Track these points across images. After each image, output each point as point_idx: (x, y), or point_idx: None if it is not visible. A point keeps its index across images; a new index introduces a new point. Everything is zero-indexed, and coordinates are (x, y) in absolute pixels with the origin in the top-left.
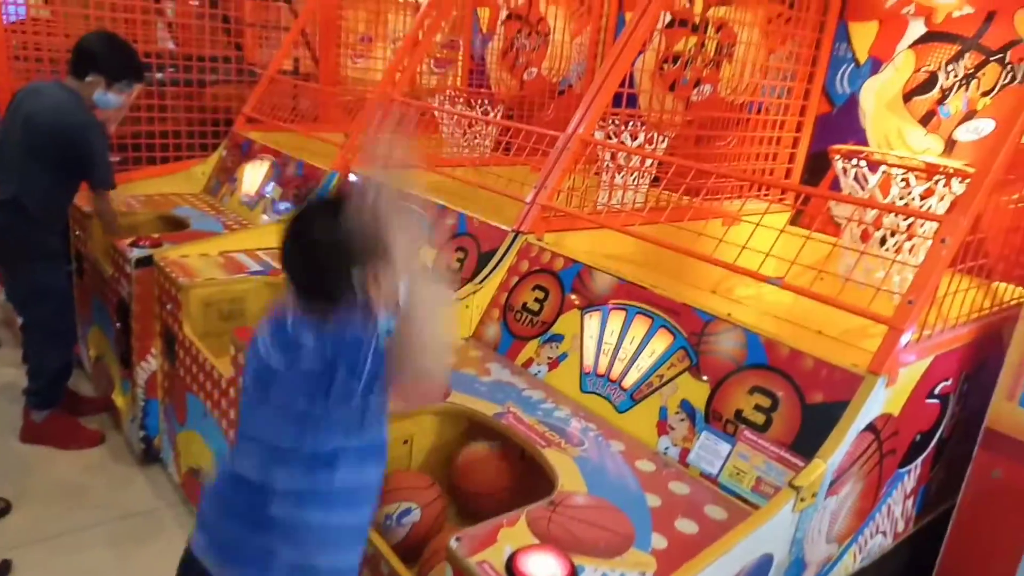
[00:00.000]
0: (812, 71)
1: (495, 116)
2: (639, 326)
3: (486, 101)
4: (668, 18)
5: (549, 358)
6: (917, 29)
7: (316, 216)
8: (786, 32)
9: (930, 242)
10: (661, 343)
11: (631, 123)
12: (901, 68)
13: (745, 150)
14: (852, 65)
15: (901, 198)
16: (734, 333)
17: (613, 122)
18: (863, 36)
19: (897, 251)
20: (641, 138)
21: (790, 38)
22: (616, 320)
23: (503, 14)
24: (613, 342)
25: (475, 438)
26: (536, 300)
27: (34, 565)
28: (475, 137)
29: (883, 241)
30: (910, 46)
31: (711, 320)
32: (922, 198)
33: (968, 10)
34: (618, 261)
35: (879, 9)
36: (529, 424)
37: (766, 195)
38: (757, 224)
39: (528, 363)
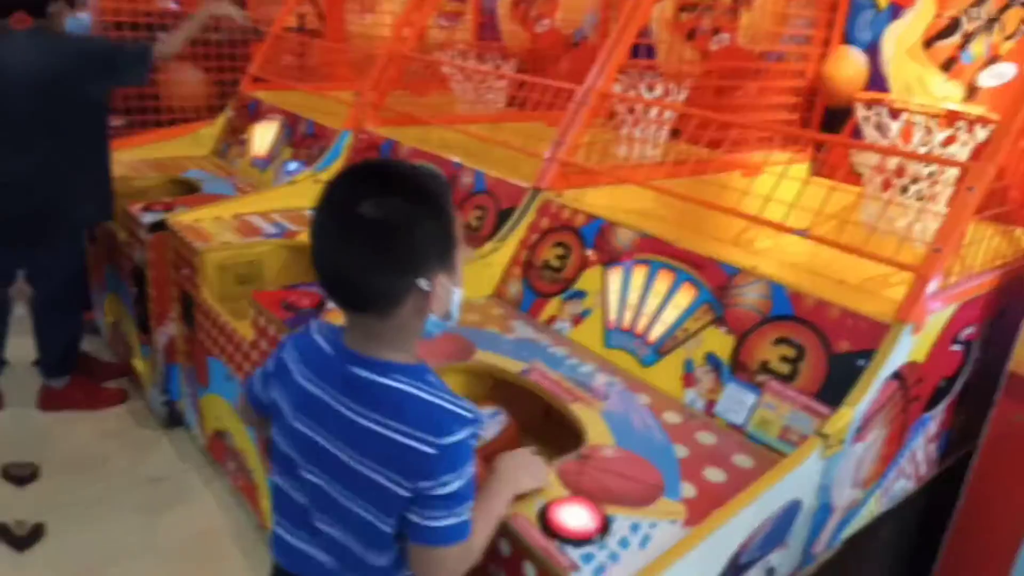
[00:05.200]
0: (832, 17)
1: (508, 71)
2: (663, 280)
3: (498, 55)
4: None
5: (572, 315)
6: None
7: (380, 190)
8: None
9: (950, 189)
10: (685, 297)
11: (647, 75)
12: (922, 13)
13: (764, 100)
14: (873, 11)
15: (923, 145)
16: (759, 285)
17: (631, 75)
18: None
19: (920, 199)
20: (659, 90)
21: None
22: (639, 275)
23: None
24: (637, 297)
25: (500, 396)
26: (558, 257)
27: (65, 530)
28: (488, 92)
29: (904, 190)
30: None
31: (736, 273)
32: (943, 145)
33: None
34: (639, 216)
35: None
36: (555, 380)
37: (786, 146)
38: (781, 175)
39: (551, 320)
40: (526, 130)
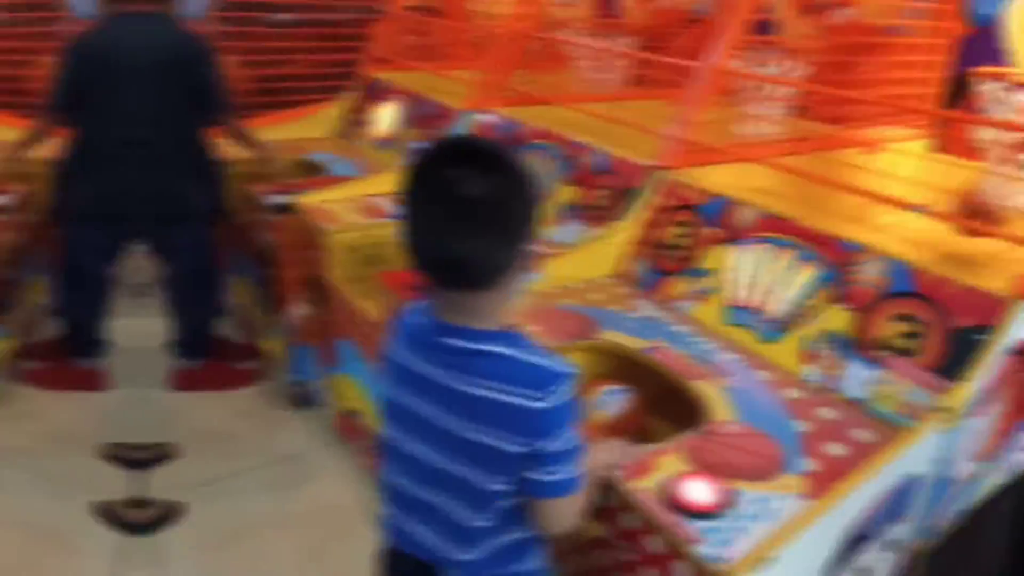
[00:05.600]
0: None
1: (628, 48)
2: (783, 258)
3: (617, 33)
4: None
5: (694, 292)
6: None
7: (482, 168)
8: None
9: None
10: (806, 274)
11: (767, 51)
12: None
13: (885, 75)
14: None
15: None
16: (878, 262)
17: (751, 51)
18: None
19: None
20: (779, 66)
21: None
22: (760, 253)
23: None
24: (757, 275)
25: (623, 374)
26: (679, 235)
27: (200, 508)
28: (609, 71)
29: None
30: None
31: (856, 250)
32: None
33: None
34: (760, 193)
35: None
36: (678, 357)
37: (908, 122)
38: (901, 152)
39: (673, 298)
40: (647, 108)
